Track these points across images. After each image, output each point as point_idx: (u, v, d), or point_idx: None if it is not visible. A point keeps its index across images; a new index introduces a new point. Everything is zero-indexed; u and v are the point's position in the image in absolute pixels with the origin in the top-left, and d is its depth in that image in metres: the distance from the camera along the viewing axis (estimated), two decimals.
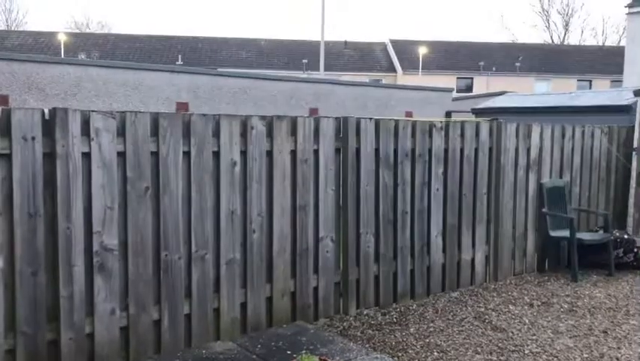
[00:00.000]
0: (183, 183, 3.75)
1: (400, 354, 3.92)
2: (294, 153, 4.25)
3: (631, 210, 6.86)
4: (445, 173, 5.18)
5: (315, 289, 4.44)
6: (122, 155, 3.51)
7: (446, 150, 5.18)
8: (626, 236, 6.20)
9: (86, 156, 3.39)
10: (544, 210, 5.98)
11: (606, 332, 4.39)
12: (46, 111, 3.26)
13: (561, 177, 6.23)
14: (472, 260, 5.50)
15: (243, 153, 4.01)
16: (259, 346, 3.77)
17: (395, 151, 4.83)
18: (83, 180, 3.38)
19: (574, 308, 4.94)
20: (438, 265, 5.22)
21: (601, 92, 9.85)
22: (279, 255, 4.21)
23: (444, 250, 5.25)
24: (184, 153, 3.74)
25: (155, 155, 3.63)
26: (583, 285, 5.61)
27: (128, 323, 3.56)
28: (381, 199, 4.77)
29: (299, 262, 4.32)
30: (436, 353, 3.95)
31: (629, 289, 5.52)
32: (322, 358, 2.05)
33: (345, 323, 4.45)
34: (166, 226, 3.68)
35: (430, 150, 5.06)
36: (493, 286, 5.51)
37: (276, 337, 3.93)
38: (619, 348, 4.10)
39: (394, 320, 4.59)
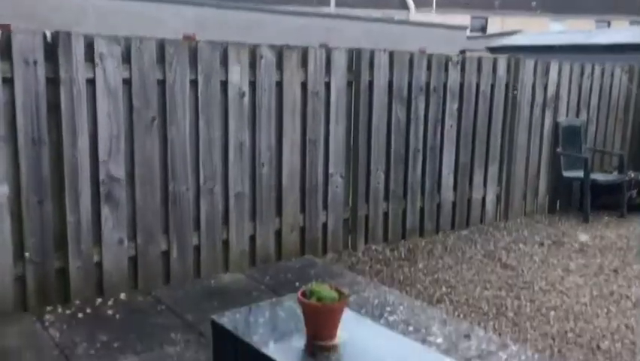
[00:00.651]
0: (191, 114, 3.66)
1: (408, 288, 3.91)
2: (304, 85, 4.13)
3: None
4: (459, 109, 5.04)
5: (324, 224, 4.41)
6: (127, 82, 3.40)
7: (462, 86, 5.03)
8: None
9: (91, 82, 3.29)
10: (558, 150, 5.86)
11: (616, 271, 4.36)
12: (49, 34, 3.14)
13: (577, 116, 6.07)
14: (483, 199, 5.43)
15: (252, 84, 3.89)
16: (268, 278, 3.77)
17: (409, 85, 4.69)
18: (88, 108, 3.29)
19: (584, 248, 4.90)
20: (448, 203, 5.17)
21: (621, 30, 9.52)
22: (288, 189, 4.15)
23: (455, 189, 5.18)
24: (191, 81, 3.63)
25: (162, 83, 3.52)
26: (594, 226, 5.56)
27: (137, 253, 3.56)
28: (393, 135, 4.66)
29: (308, 197, 4.27)
30: (444, 289, 3.94)
31: None
32: (330, 285, 2.00)
33: (353, 258, 4.44)
34: (173, 156, 3.62)
35: (445, 85, 4.91)
36: (503, 225, 5.47)
37: (284, 269, 3.92)
38: (629, 287, 4.07)
39: (403, 256, 4.57)
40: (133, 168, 3.48)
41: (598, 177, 5.85)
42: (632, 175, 6.06)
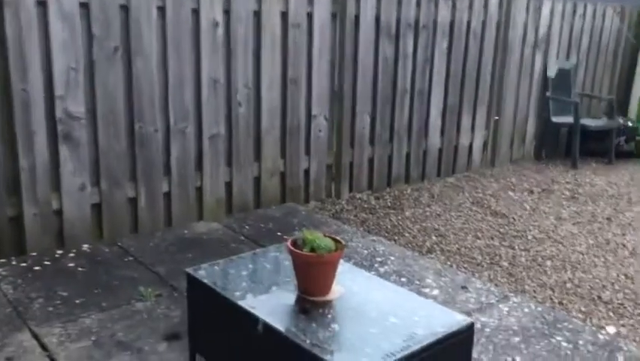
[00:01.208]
0: (158, 45, 3.27)
1: (396, 238, 3.68)
2: (284, 15, 3.74)
3: (635, 95, 6.52)
4: (449, 48, 4.72)
5: (307, 170, 4.11)
6: (85, 7, 2.98)
7: (452, 23, 4.69)
8: (629, 124, 5.91)
9: (42, 5, 2.86)
10: (548, 93, 5.61)
11: (610, 219, 4.19)
12: None
13: (568, 58, 5.81)
14: (470, 145, 5.19)
15: (227, 13, 3.50)
16: (247, 227, 3.48)
17: (398, 21, 4.33)
18: (39, 36, 2.88)
19: (575, 195, 4.72)
20: (435, 149, 4.91)
21: None
22: (267, 132, 3.82)
23: (442, 134, 4.91)
24: (158, 8, 3.23)
25: (125, 9, 3.11)
26: (583, 172, 5.38)
27: (101, 200, 3.22)
28: (380, 75, 4.33)
29: (289, 141, 3.95)
30: (434, 237, 3.71)
31: (630, 177, 5.31)
32: (324, 234, 1.71)
33: (337, 207, 4.18)
34: (140, 93, 3.24)
35: (435, 22, 4.56)
36: (490, 173, 5.25)
37: (264, 218, 3.64)
38: (624, 235, 3.90)
39: (389, 204, 4.32)
40: (94, 105, 3.10)
41: (587, 122, 5.64)
42: (622, 121, 5.87)
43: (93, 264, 2.90)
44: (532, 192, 4.77)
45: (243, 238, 3.30)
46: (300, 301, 1.77)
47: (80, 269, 2.84)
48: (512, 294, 2.77)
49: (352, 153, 4.33)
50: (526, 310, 2.60)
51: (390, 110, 4.49)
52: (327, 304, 1.75)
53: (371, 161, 4.49)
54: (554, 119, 5.67)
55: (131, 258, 2.99)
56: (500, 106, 5.29)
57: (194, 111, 3.48)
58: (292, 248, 1.76)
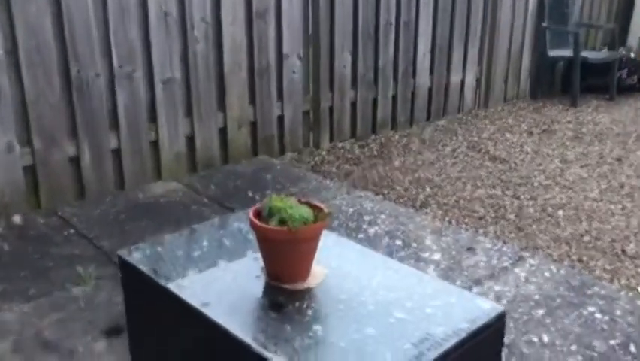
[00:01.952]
0: None
1: (385, 192, 3.22)
2: None
3: (636, 23, 6.02)
4: None
5: (280, 118, 3.60)
6: None
7: None
8: (632, 55, 5.44)
9: None
10: (544, 24, 5.09)
11: (620, 160, 3.77)
12: None
13: None
14: (462, 83, 4.69)
15: None
16: (212, 187, 2.99)
17: None
18: None
19: (579, 135, 4.28)
20: (424, 90, 4.40)
21: None
22: (232, 73, 3.28)
23: (431, 72, 4.40)
24: None
25: None
26: (583, 110, 4.94)
27: (34, 161, 2.70)
28: (361, 5, 3.77)
29: (259, 85, 3.42)
30: (428, 189, 3.26)
31: (635, 113, 4.87)
32: (300, 199, 1.20)
33: (316, 158, 3.69)
34: (72, 29, 2.67)
35: None
36: (483, 114, 4.78)
37: (233, 175, 3.15)
38: (638, 177, 3.49)
39: (375, 153, 3.85)
40: (15, 43, 2.54)
41: (588, 55, 5.15)
42: (624, 53, 5.39)
43: (23, 240, 2.40)
44: (531, 133, 4.32)
45: (206, 199, 2.82)
46: (269, 291, 1.30)
47: (5, 247, 2.34)
48: (528, 254, 2.34)
49: (332, 97, 3.82)
50: (546, 273, 2.17)
51: (373, 46, 3.95)
52: (306, 294, 1.29)
53: (353, 105, 3.98)
54: (551, 52, 5.17)
55: (71, 230, 2.49)
56: (493, 39, 4.78)
57: (142, 51, 2.93)
58: (256, 221, 1.28)
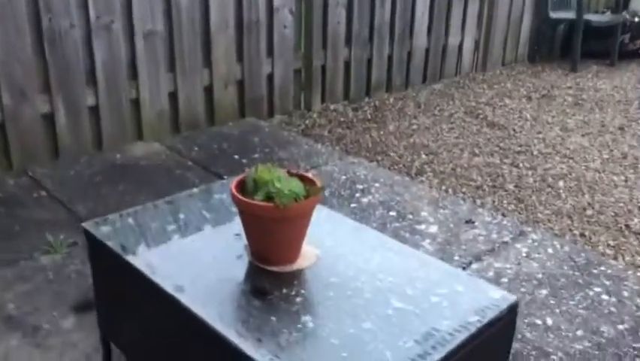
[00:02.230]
0: None
1: (379, 158, 3.06)
2: None
3: None
4: None
5: (270, 77, 3.40)
6: None
7: None
8: (636, 19, 5.24)
9: None
10: None
11: (622, 129, 3.63)
12: None
13: None
14: (460, 46, 4.49)
15: None
16: (196, 149, 2.81)
17: None
18: None
19: (579, 102, 4.13)
20: (420, 51, 4.21)
21: None
22: (218, 29, 3.07)
23: (429, 33, 4.19)
24: None
25: None
26: (583, 76, 4.77)
27: (3, 118, 2.50)
28: None
29: (247, 41, 3.21)
30: (424, 156, 3.11)
31: (636, 80, 4.71)
32: (289, 170, 1.04)
33: (307, 121, 3.51)
34: None
35: None
36: (481, 77, 4.61)
37: (219, 137, 2.97)
38: None
39: (369, 116, 3.67)
40: None
41: (590, 17, 4.95)
42: (627, 17, 5.19)
43: None
44: (530, 98, 4.16)
45: (190, 162, 2.65)
46: (252, 274, 1.16)
47: None
48: (530, 229, 2.21)
49: (325, 55, 3.62)
50: (549, 250, 2.05)
51: (369, 2, 3.73)
52: (295, 278, 1.14)
53: (347, 65, 3.78)
54: (553, 14, 4.97)
55: (42, 192, 2.32)
56: (494, 0, 4.56)
57: (122, 1, 2.70)
58: (238, 195, 1.12)
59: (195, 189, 1.49)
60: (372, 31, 3.82)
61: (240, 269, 1.17)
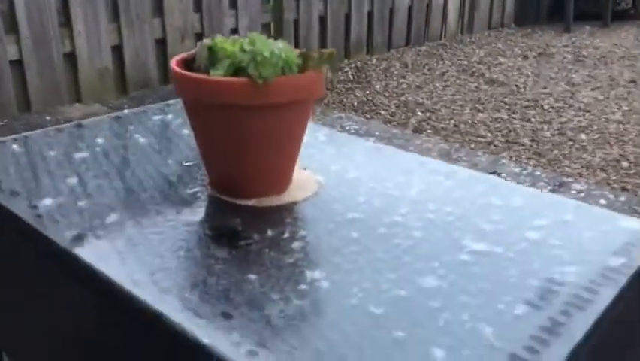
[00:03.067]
0: None
1: (368, 116, 2.60)
2: None
3: None
4: None
5: (234, 31, 2.90)
6: None
7: None
8: None
9: None
10: None
11: (635, 82, 3.24)
12: None
13: None
14: (445, 4, 4.07)
15: None
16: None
17: None
18: None
19: (580, 59, 3.73)
20: (403, 8, 3.76)
21: None
22: None
23: None
24: None
25: None
26: (577, 36, 4.38)
27: None
28: None
29: None
30: (420, 113, 2.66)
31: (635, 38, 4.35)
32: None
33: None
34: None
35: None
36: (469, 39, 4.18)
37: (174, 98, 2.46)
38: None
39: (350, 77, 3.21)
40: None
41: None
42: None
43: None
44: (526, 57, 3.75)
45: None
46: (214, 215, 0.67)
47: None
48: (571, 179, 1.77)
49: (297, 7, 3.14)
50: (602, 200, 1.61)
51: None
52: (287, 215, 0.66)
53: (323, 20, 3.31)
54: None
55: None
56: None
57: None
58: (179, 70, 0.64)
59: (126, 110, 1.00)
60: None
61: (191, 210, 0.68)
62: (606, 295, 0.53)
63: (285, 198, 0.70)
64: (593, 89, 3.11)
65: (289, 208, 0.68)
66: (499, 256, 0.59)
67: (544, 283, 0.55)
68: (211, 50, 0.65)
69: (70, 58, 2.35)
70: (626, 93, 3.03)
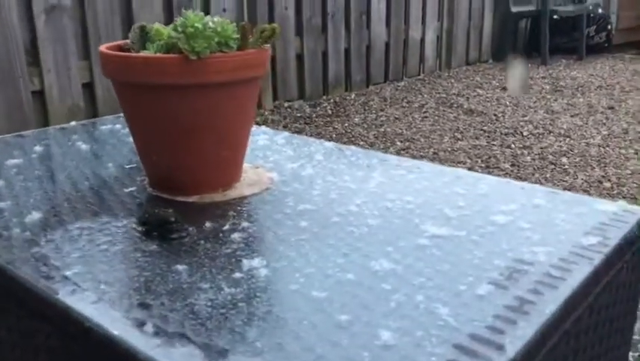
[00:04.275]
0: None
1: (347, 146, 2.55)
2: None
3: None
4: None
5: None
6: None
7: None
8: (599, 10, 5.00)
9: None
10: None
11: (613, 108, 3.24)
12: None
13: None
14: (422, 40, 4.10)
15: None
16: None
17: None
18: None
19: (558, 89, 3.75)
20: (380, 44, 3.78)
21: None
22: (142, 8, 2.55)
23: (387, 23, 3.79)
24: None
25: None
26: (554, 68, 4.43)
27: None
28: None
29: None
30: (399, 143, 2.62)
31: (610, 69, 4.41)
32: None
33: (258, 118, 2.99)
34: None
35: None
36: (447, 74, 4.20)
37: None
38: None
39: (329, 112, 3.18)
40: None
41: (555, 8, 4.66)
42: (591, 7, 4.94)
43: None
44: (505, 89, 3.76)
45: None
46: (148, 211, 0.61)
47: None
48: (559, 190, 1.71)
49: (273, 45, 3.13)
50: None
51: None
52: (230, 208, 0.60)
53: (300, 58, 3.31)
54: (514, 8, 4.65)
55: None
56: None
57: None
58: (107, 51, 0.58)
59: (73, 123, 0.95)
60: (324, 19, 3.37)
61: (124, 209, 0.62)
62: (580, 274, 0.47)
63: (231, 194, 0.64)
64: (572, 116, 3.10)
65: (234, 203, 0.61)
66: (462, 238, 0.53)
67: (512, 263, 0.48)
68: (143, 30, 0.60)
69: (39, 96, 2.30)
70: (604, 119, 3.03)
